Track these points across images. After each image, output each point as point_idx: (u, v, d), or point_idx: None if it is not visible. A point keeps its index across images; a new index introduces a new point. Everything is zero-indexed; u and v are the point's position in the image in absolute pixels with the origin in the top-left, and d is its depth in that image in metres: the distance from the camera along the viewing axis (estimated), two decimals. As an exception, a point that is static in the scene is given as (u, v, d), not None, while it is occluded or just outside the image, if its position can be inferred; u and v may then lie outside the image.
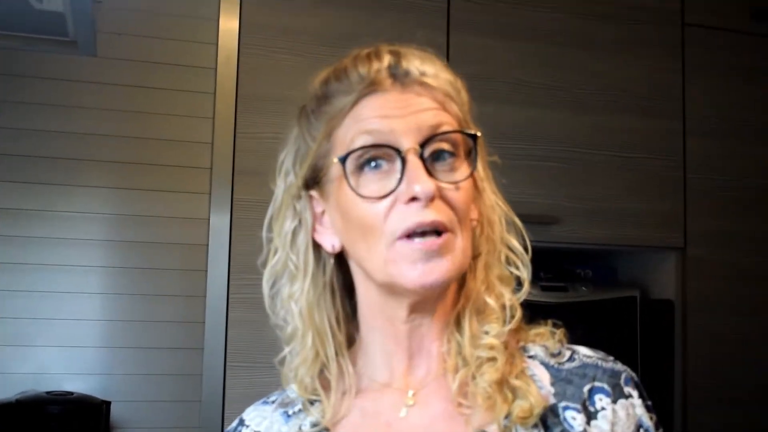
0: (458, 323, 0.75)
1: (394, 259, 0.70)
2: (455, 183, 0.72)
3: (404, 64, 0.74)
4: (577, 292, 2.00)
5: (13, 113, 1.87)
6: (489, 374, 0.71)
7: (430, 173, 0.70)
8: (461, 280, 0.76)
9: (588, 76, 2.03)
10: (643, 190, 2.03)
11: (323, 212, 0.78)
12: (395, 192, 0.70)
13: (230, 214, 1.75)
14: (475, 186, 0.77)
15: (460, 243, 0.72)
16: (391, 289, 0.73)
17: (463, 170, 0.74)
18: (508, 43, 1.97)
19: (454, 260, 0.71)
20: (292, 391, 0.82)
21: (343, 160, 0.72)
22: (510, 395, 0.71)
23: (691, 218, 2.07)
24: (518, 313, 0.75)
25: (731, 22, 2.17)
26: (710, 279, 2.07)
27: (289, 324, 0.79)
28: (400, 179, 0.70)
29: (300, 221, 0.79)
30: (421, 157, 0.71)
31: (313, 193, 0.78)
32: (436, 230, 0.70)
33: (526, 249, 0.78)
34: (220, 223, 1.76)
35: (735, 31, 2.17)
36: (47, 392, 1.74)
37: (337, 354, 0.78)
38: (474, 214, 0.77)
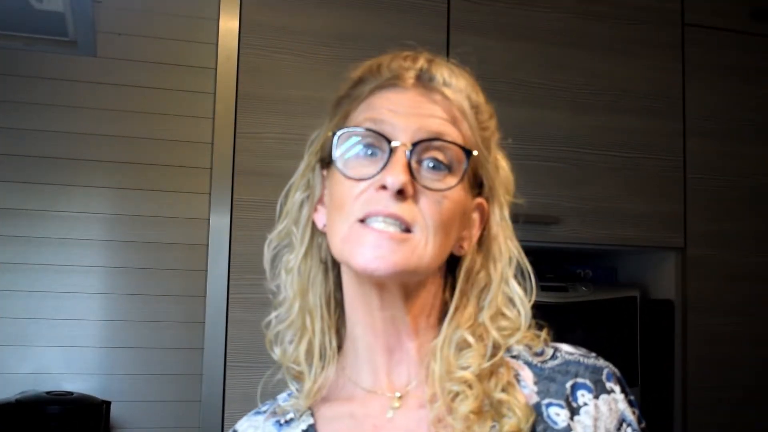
0: (435, 354, 0.75)
1: (350, 239, 0.72)
2: (437, 191, 0.73)
3: (433, 70, 0.77)
4: (577, 292, 2.00)
5: (13, 113, 1.86)
6: (465, 405, 0.71)
7: (413, 174, 0.72)
8: (446, 304, 0.78)
9: (588, 76, 2.03)
10: (643, 190, 2.03)
11: (325, 194, 0.81)
12: (372, 179, 0.72)
13: (230, 214, 1.75)
14: (485, 221, 0.79)
15: (421, 247, 0.71)
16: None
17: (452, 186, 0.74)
18: (508, 43, 1.97)
19: (407, 257, 0.71)
20: (283, 399, 0.84)
21: (336, 134, 0.75)
22: (493, 412, 0.71)
23: (691, 218, 2.07)
24: (501, 352, 0.74)
25: (731, 22, 2.17)
26: (710, 279, 2.07)
27: (282, 290, 0.82)
28: (381, 169, 0.72)
29: (308, 196, 0.82)
30: (409, 155, 0.72)
31: (325, 173, 0.81)
32: (401, 227, 0.71)
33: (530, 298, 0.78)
34: (220, 223, 1.76)
35: (735, 31, 2.17)
36: (47, 392, 1.73)
37: (323, 333, 0.80)
38: (465, 244, 0.78)
